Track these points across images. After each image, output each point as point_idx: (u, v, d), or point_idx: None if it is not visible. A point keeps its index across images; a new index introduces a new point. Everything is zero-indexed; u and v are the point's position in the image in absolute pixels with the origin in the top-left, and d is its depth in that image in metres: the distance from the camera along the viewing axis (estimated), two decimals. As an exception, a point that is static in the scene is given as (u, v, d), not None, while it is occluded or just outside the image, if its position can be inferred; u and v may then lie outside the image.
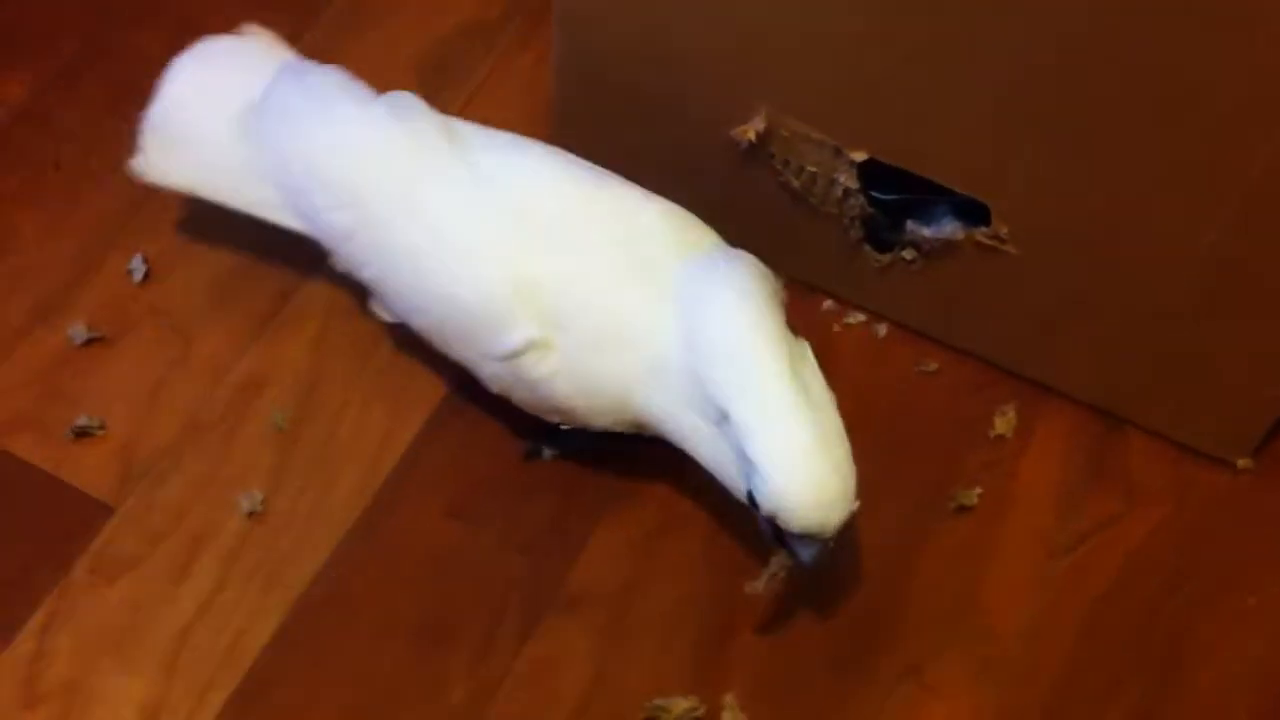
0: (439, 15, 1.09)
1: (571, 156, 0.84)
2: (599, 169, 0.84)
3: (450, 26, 1.08)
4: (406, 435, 0.89)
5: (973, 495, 0.89)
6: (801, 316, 0.94)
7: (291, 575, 0.84)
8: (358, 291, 0.90)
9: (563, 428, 0.84)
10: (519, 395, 0.83)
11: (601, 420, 0.81)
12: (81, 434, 0.88)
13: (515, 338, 0.79)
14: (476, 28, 1.08)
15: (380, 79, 1.04)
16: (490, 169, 0.81)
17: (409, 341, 0.90)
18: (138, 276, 0.94)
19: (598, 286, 0.79)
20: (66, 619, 0.82)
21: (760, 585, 0.80)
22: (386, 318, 0.88)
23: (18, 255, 0.95)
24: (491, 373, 0.82)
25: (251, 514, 0.86)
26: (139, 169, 0.89)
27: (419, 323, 0.85)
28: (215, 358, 0.91)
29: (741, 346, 0.75)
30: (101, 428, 0.88)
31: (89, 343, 0.91)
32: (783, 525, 0.75)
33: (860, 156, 0.85)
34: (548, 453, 0.89)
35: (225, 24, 1.05)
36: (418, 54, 1.07)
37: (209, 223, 0.97)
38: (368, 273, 0.84)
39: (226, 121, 0.87)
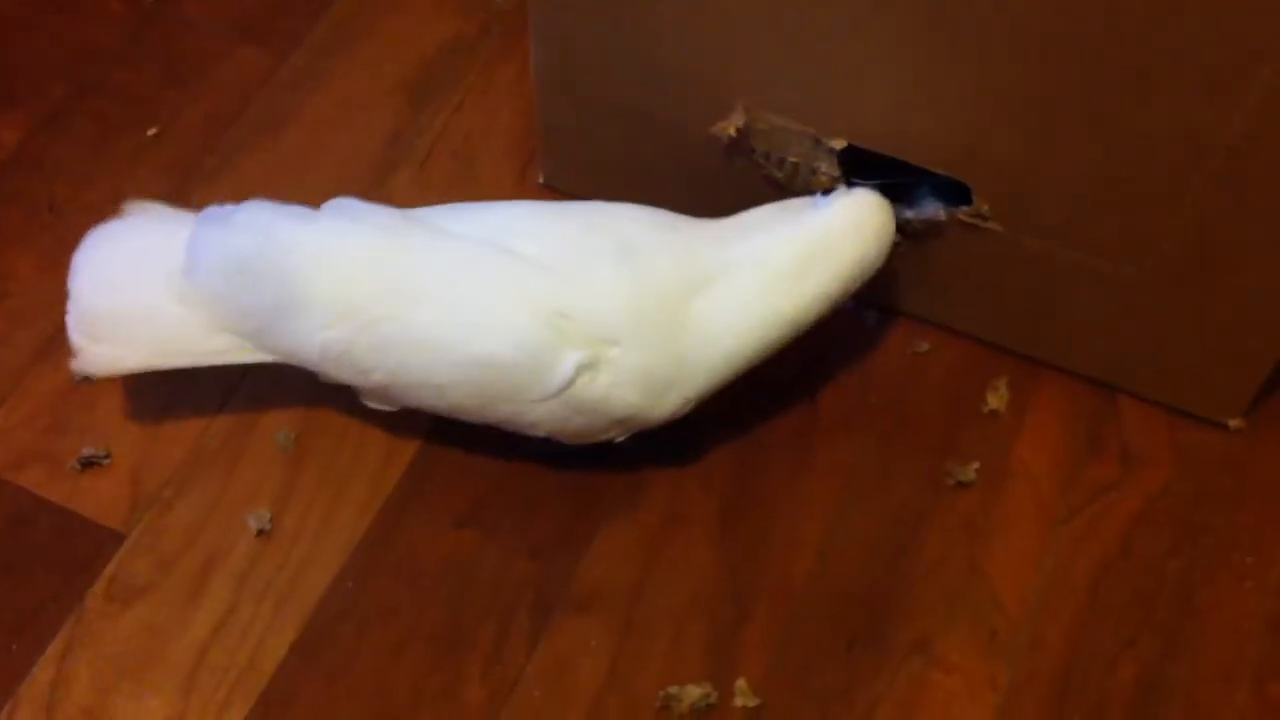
0: (419, 34, 1.10)
1: (523, 201, 0.86)
2: (554, 202, 0.87)
3: (431, 44, 1.10)
4: (409, 449, 0.91)
5: (970, 471, 0.90)
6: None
7: (304, 591, 0.85)
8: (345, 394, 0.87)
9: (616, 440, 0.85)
10: (575, 426, 0.83)
11: (660, 413, 0.82)
12: (88, 464, 0.89)
13: (565, 368, 0.79)
14: (457, 43, 1.10)
15: (366, 99, 1.07)
16: (465, 229, 0.83)
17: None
18: (135, 308, 0.95)
19: (622, 289, 0.80)
20: (84, 646, 0.83)
21: None
22: (387, 408, 0.86)
23: (16, 296, 0.96)
24: (539, 417, 0.82)
25: (260, 533, 0.87)
26: (82, 368, 0.85)
27: (444, 402, 0.83)
28: (216, 383, 0.92)
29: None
30: (107, 457, 0.89)
31: (90, 376, 0.92)
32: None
33: (839, 144, 0.87)
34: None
35: (208, 56, 1.08)
36: (401, 73, 1.08)
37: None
38: (376, 376, 0.82)
39: (153, 292, 0.84)
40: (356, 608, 0.85)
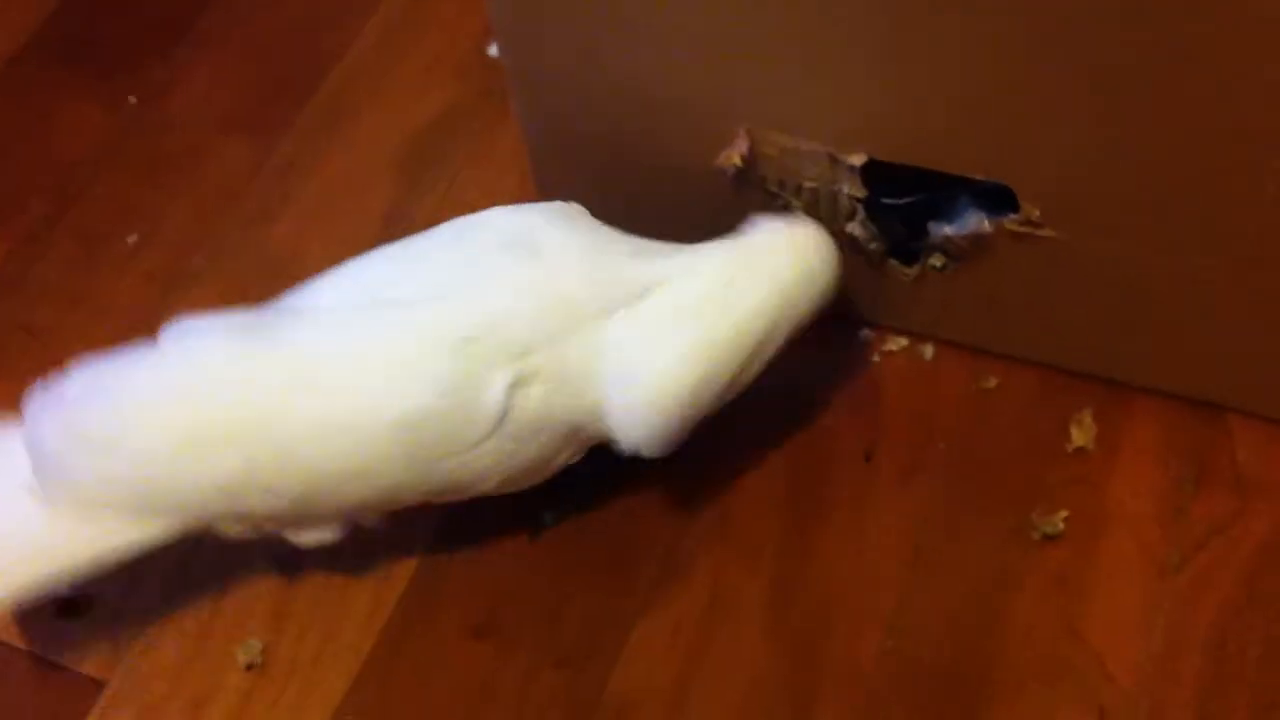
0: (410, 108, 1.03)
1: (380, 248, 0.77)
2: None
3: (423, 118, 1.02)
4: (413, 556, 0.81)
5: (1058, 520, 0.77)
6: (835, 350, 0.85)
7: (302, 729, 0.75)
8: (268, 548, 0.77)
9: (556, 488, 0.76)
10: (525, 459, 0.72)
11: (589, 426, 0.73)
12: (65, 608, 0.80)
13: (495, 393, 0.70)
14: (450, 113, 1.02)
15: (360, 179, 0.99)
16: (329, 299, 0.74)
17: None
18: (119, 428, 0.87)
19: (518, 290, 0.71)
20: (62, 815, 0.74)
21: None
22: (327, 537, 0.75)
23: (-5, 429, 0.89)
24: (485, 463, 0.72)
25: (250, 666, 0.77)
26: None
27: (376, 490, 0.72)
28: (203, 502, 0.84)
29: None
30: (86, 597, 0.80)
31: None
32: None
33: (858, 160, 0.76)
34: (549, 518, 0.80)
35: (195, 154, 1.01)
36: (394, 149, 1.01)
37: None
38: (292, 492, 0.71)
39: (8, 509, 0.73)
40: (363, 743, 0.75)
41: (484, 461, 0.71)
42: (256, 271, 0.95)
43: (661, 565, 0.79)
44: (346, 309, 0.73)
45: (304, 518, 0.73)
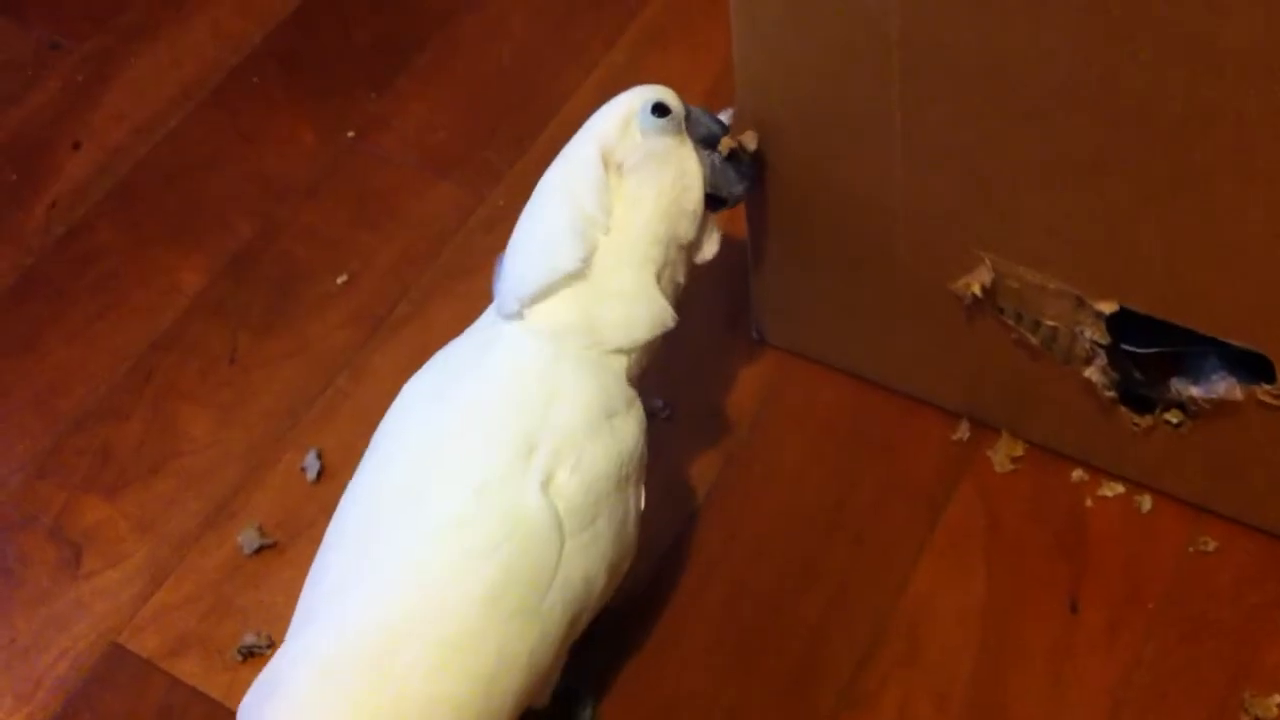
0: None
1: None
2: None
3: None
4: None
5: (1272, 705, 0.73)
6: (1048, 489, 0.82)
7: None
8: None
9: None
10: (617, 537, 0.70)
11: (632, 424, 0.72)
12: (250, 654, 0.80)
13: (532, 499, 0.67)
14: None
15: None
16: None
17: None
18: (311, 475, 0.88)
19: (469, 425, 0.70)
20: None
21: None
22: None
23: (188, 455, 0.90)
24: (583, 564, 0.69)
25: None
26: None
27: (525, 676, 0.68)
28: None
29: None
30: (270, 646, 0.81)
31: (260, 550, 0.85)
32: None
33: (1109, 308, 0.73)
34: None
35: (405, 195, 1.01)
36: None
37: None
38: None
39: None
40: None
41: (580, 565, 0.68)
42: (456, 325, 0.93)
43: (845, 691, 0.77)
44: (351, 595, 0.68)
45: None
